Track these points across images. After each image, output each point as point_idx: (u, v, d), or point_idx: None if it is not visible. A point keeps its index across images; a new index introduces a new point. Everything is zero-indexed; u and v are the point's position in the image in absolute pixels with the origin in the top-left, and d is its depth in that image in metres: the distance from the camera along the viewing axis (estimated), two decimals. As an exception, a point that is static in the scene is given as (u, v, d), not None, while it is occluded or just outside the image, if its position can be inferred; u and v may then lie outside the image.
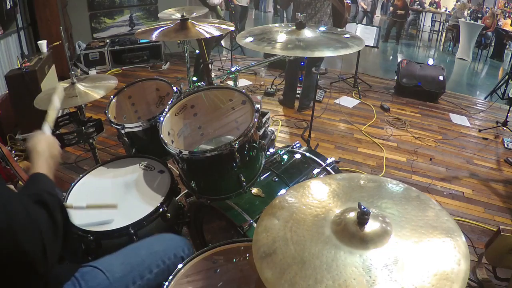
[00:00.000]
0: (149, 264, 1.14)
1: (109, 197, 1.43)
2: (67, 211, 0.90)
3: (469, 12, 8.82)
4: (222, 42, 6.00)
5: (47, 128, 1.15)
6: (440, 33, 9.90)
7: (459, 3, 9.19)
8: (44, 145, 1.03)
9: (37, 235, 0.75)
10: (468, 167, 3.15)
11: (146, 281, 1.12)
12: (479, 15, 8.66)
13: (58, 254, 0.81)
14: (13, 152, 2.47)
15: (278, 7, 8.85)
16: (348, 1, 3.73)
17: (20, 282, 0.76)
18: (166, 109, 1.54)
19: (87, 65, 4.91)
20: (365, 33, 4.67)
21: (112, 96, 1.82)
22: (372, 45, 4.71)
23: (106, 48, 5.02)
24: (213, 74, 2.08)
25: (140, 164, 1.64)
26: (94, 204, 1.34)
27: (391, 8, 9.20)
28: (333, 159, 1.81)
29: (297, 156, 1.84)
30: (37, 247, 0.74)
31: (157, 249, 1.20)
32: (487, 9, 10.03)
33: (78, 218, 1.31)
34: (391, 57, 8.07)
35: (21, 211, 0.75)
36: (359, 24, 4.99)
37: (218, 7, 4.39)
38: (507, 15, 9.72)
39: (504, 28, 8.11)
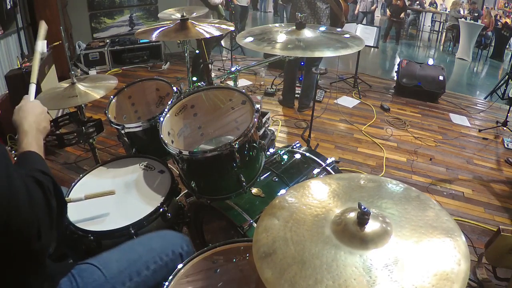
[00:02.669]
0: (146, 260, 1.13)
1: (109, 197, 1.43)
2: (61, 189, 0.88)
3: (468, 12, 8.81)
4: (222, 42, 6.00)
5: (32, 89, 1.06)
6: (440, 33, 9.90)
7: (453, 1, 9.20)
8: (31, 118, 0.98)
9: (33, 214, 0.74)
10: (468, 167, 3.15)
11: (143, 278, 1.11)
12: (476, 14, 8.65)
13: (53, 235, 0.80)
14: (13, 152, 2.46)
15: (280, 2, 8.84)
16: (347, 3, 3.73)
17: (17, 262, 0.76)
18: (166, 109, 1.54)
19: (87, 65, 4.90)
20: (365, 33, 4.67)
21: (112, 96, 1.82)
22: (372, 45, 4.71)
23: (106, 48, 5.02)
24: (213, 74, 2.08)
25: (140, 164, 1.64)
26: (92, 193, 1.34)
27: (388, 12, 9.21)
28: (333, 159, 1.81)
29: (297, 156, 1.84)
30: (32, 224, 0.73)
31: (155, 245, 1.19)
32: (487, 8, 10.03)
33: (76, 214, 1.32)
34: (391, 57, 8.07)
35: (22, 188, 0.74)
36: (359, 24, 4.99)
37: (220, 6, 4.38)
38: (507, 15, 9.72)
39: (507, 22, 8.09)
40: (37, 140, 0.95)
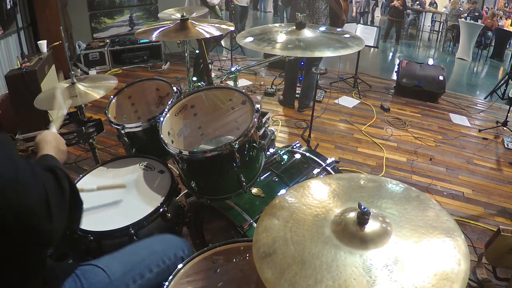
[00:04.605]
0: (149, 263, 1.15)
1: (109, 197, 1.43)
2: (76, 187, 0.89)
3: (468, 11, 8.81)
4: (222, 42, 6.00)
5: (53, 128, 1.18)
6: (440, 33, 9.90)
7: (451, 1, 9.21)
8: (52, 137, 1.05)
9: (41, 191, 0.75)
10: (468, 167, 3.15)
11: (146, 281, 1.12)
12: (476, 14, 8.65)
13: (65, 218, 0.81)
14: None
15: (280, 3, 8.85)
16: (347, 2, 3.74)
17: (26, 246, 0.76)
18: (166, 109, 1.54)
19: (87, 65, 4.91)
20: (365, 33, 4.67)
21: (112, 96, 1.82)
22: (372, 45, 4.71)
23: (106, 48, 5.02)
24: (213, 74, 2.08)
25: (140, 164, 1.64)
26: (104, 185, 1.43)
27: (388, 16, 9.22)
28: (333, 159, 1.81)
29: (297, 156, 1.84)
30: (41, 203, 0.74)
31: (157, 249, 1.20)
32: (487, 8, 10.02)
33: (87, 197, 1.33)
34: (391, 57, 8.07)
35: (26, 168, 0.75)
36: (359, 24, 4.99)
37: (217, 7, 4.38)
38: (507, 16, 9.72)
39: (505, 28, 8.11)
40: (56, 152, 1.01)
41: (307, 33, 1.56)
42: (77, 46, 5.13)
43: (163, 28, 1.87)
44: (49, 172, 0.82)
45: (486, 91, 5.22)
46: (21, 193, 0.71)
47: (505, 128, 3.81)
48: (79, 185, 1.45)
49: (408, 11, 10.06)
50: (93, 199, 1.40)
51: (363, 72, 5.28)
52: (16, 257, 0.78)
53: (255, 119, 1.35)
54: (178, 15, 1.99)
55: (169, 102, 1.60)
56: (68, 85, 1.75)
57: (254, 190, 1.54)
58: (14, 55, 3.67)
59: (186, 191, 1.95)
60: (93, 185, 1.42)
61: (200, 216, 1.67)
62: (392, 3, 8.87)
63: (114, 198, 1.43)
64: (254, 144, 1.41)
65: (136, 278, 1.10)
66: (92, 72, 4.86)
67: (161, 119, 1.49)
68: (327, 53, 1.44)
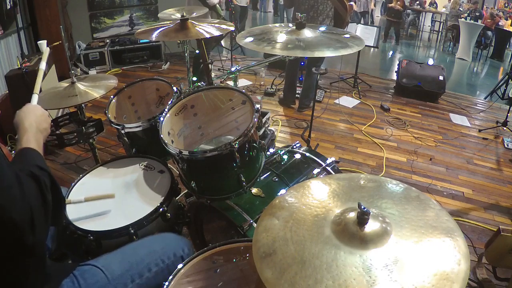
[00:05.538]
0: (148, 263, 1.14)
1: (107, 201, 1.43)
2: (58, 186, 0.89)
3: (467, 11, 8.81)
4: (222, 42, 5.99)
5: (35, 98, 1.11)
6: (440, 33, 9.90)
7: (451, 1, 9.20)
8: (31, 118, 0.99)
9: (26, 208, 0.74)
10: (468, 167, 3.15)
11: (145, 280, 1.12)
12: (477, 14, 8.65)
13: (47, 229, 0.80)
14: (13, 152, 2.47)
15: (281, 3, 8.84)
16: (351, 3, 3.73)
17: (11, 256, 0.76)
18: (166, 109, 1.54)
19: (87, 65, 4.90)
20: (365, 33, 4.67)
21: (112, 96, 1.82)
22: (372, 45, 4.71)
23: (106, 48, 5.02)
24: (213, 74, 2.08)
25: (140, 164, 1.64)
26: (92, 196, 1.36)
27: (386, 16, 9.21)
28: (333, 159, 1.81)
29: (297, 156, 1.84)
30: (25, 217, 0.73)
31: (157, 248, 1.20)
32: (487, 8, 10.02)
33: (77, 212, 1.32)
34: (391, 57, 8.07)
35: (14, 182, 0.74)
36: (359, 24, 4.99)
37: (218, 6, 4.38)
38: (507, 16, 9.71)
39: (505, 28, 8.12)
40: (37, 138, 0.96)
41: (307, 33, 1.56)
42: (77, 46, 5.13)
43: (163, 28, 1.87)
44: (32, 180, 0.80)
45: (486, 91, 5.22)
46: (7, 209, 0.71)
47: (505, 128, 3.81)
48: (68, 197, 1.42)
49: (408, 11, 10.06)
50: (88, 207, 1.39)
51: (363, 72, 5.29)
52: (13, 259, 0.78)
53: (255, 119, 1.35)
54: (178, 15, 1.99)
55: (169, 102, 1.60)
56: (67, 84, 1.75)
57: (254, 190, 1.54)
58: (14, 55, 3.67)
59: (186, 191, 1.95)
60: (80, 197, 1.37)
61: (200, 216, 1.67)
62: (391, 4, 8.87)
63: (114, 198, 1.43)
64: (254, 144, 1.41)
65: (135, 277, 1.10)
66: (92, 72, 4.86)
67: (161, 119, 1.49)
68: (327, 53, 1.44)
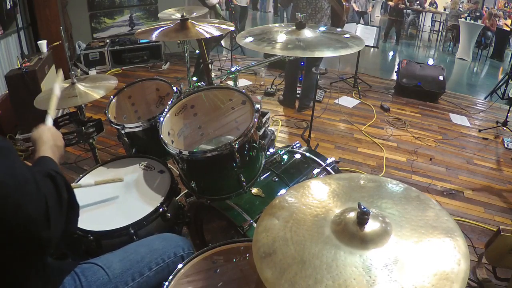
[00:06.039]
0: (149, 262, 1.15)
1: (109, 196, 1.43)
2: (73, 190, 0.91)
3: (467, 12, 8.81)
4: (222, 42, 5.99)
5: (49, 120, 1.17)
6: (440, 33, 9.90)
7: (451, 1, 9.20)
8: (48, 135, 1.05)
9: (42, 202, 0.76)
10: (468, 167, 3.15)
11: (145, 279, 1.12)
12: (477, 14, 8.65)
13: (63, 227, 0.82)
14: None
15: (279, 5, 8.85)
16: (347, 4, 3.74)
17: (26, 251, 0.77)
18: (166, 109, 1.54)
19: (87, 65, 4.90)
20: (365, 33, 4.67)
21: (112, 96, 1.82)
22: (372, 45, 4.71)
23: (106, 48, 5.02)
24: (213, 74, 2.08)
25: (140, 164, 1.64)
26: (102, 180, 1.45)
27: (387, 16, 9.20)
28: (333, 159, 1.81)
29: (297, 156, 1.84)
30: (41, 211, 0.75)
31: (157, 247, 1.20)
32: (487, 8, 10.02)
33: (87, 197, 1.37)
34: (391, 57, 8.07)
35: (29, 178, 0.76)
36: (359, 24, 4.99)
37: (218, 6, 4.39)
38: (507, 15, 9.71)
39: (505, 29, 8.12)
40: (53, 151, 1.01)
41: (307, 33, 1.56)
42: (77, 46, 5.13)
43: (163, 28, 1.87)
44: (49, 179, 0.83)
45: (486, 91, 5.22)
46: (23, 204, 0.72)
47: (505, 128, 3.81)
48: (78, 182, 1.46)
49: (408, 11, 10.05)
50: (92, 196, 1.41)
51: (363, 72, 5.28)
52: (16, 257, 0.78)
53: (255, 119, 1.35)
54: (178, 15, 1.99)
55: (169, 102, 1.60)
56: (67, 84, 1.75)
57: (254, 190, 1.54)
58: (14, 55, 3.67)
59: (186, 191, 1.95)
60: (91, 180, 1.44)
61: (200, 216, 1.67)
62: (391, 2, 8.86)
63: (112, 194, 1.44)
64: (254, 144, 1.41)
65: (136, 276, 1.10)
66: (92, 72, 4.86)
67: (161, 119, 1.49)
68: (327, 53, 1.44)
